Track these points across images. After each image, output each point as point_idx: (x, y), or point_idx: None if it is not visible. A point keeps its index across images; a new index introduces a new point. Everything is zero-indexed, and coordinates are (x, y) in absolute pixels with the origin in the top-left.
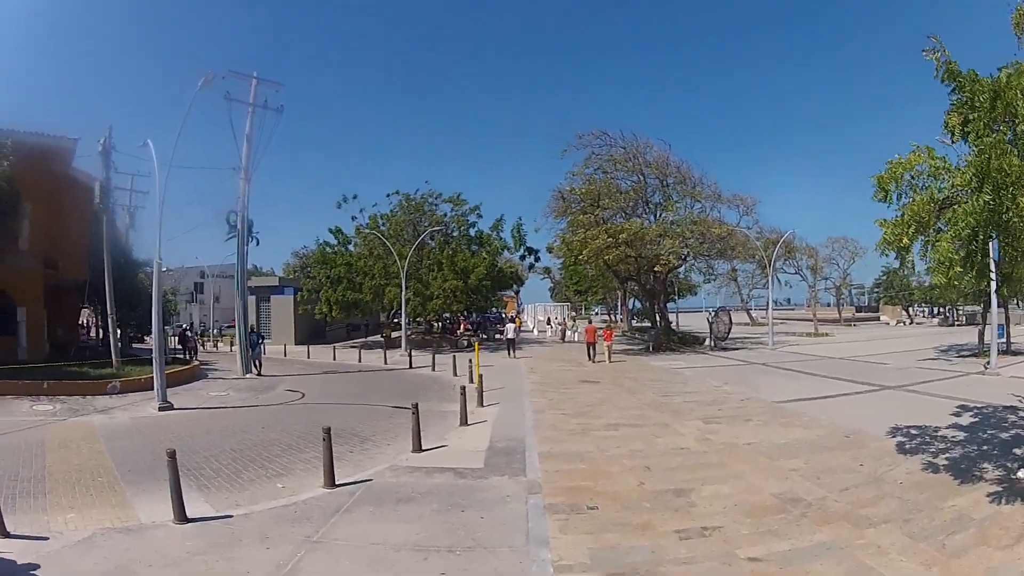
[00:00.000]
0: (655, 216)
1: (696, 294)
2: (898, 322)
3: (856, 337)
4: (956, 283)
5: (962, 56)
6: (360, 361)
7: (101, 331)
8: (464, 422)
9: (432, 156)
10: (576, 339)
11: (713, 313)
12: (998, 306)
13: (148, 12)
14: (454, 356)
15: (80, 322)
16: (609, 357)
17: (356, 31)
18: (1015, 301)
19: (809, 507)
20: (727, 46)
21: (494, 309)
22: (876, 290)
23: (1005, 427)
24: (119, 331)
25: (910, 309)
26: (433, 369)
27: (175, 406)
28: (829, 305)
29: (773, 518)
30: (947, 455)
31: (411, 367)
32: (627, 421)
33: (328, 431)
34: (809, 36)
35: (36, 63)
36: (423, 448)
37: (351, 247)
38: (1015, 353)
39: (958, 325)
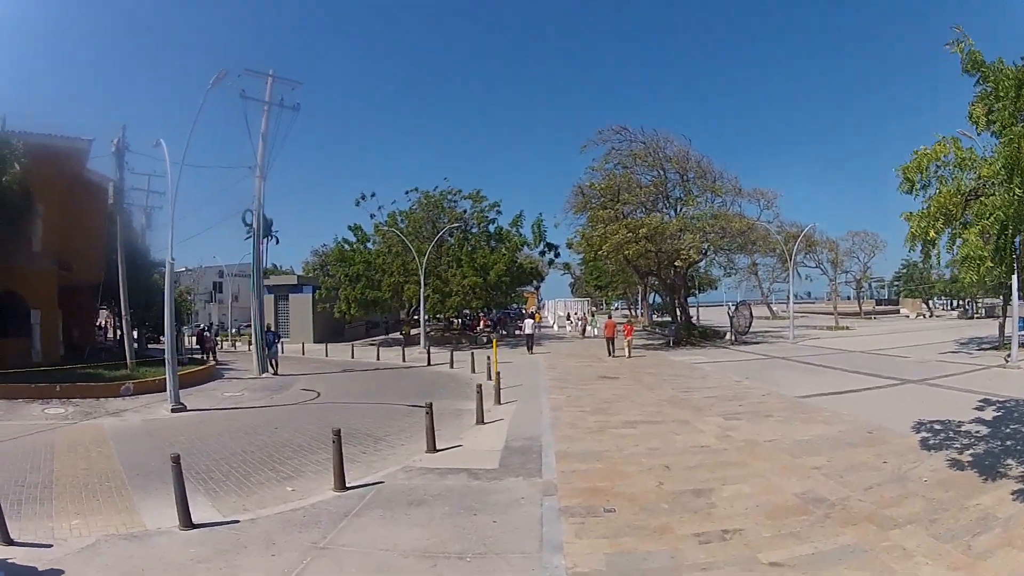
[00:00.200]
0: (675, 211)
1: (716, 288)
2: (918, 315)
3: (876, 330)
4: (987, 279)
5: (986, 51)
6: (378, 359)
7: (118, 332)
8: (480, 421)
9: (452, 153)
10: (596, 334)
11: (733, 307)
12: (1020, 299)
13: (164, 11)
14: (472, 353)
15: (97, 323)
16: (629, 352)
17: (375, 29)
18: None
19: (832, 507)
20: (744, 43)
21: (514, 305)
22: (896, 283)
23: None
24: (135, 332)
25: (930, 302)
26: (451, 367)
27: (188, 407)
28: (849, 299)
29: (795, 519)
30: (971, 451)
31: (429, 364)
32: (646, 418)
33: (338, 433)
34: (830, 33)
35: (52, 65)
36: (438, 448)
37: (370, 245)
38: None
39: (977, 318)
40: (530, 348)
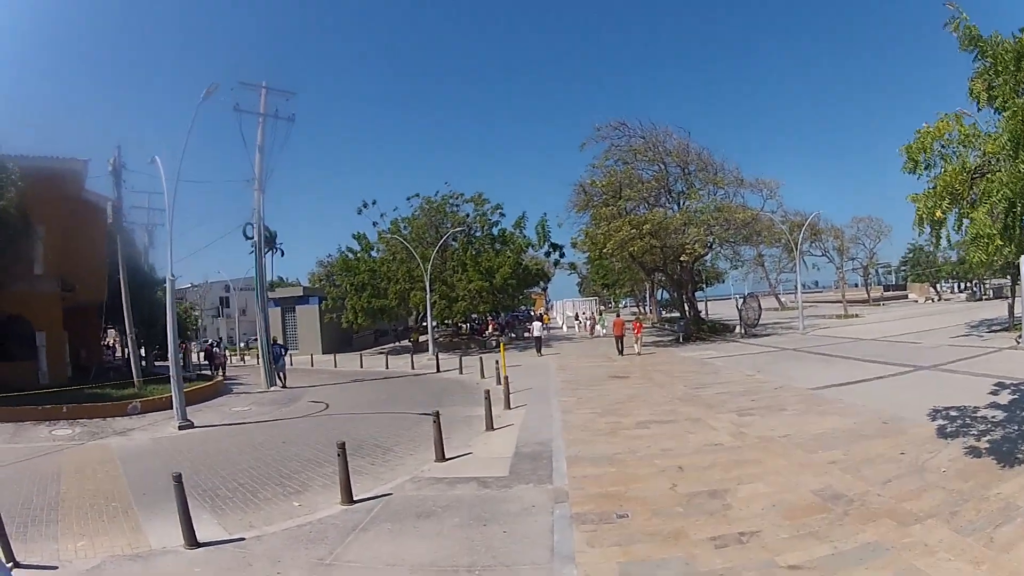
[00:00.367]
0: (678, 205)
1: (724, 281)
2: (927, 299)
3: (886, 317)
4: (996, 259)
5: (983, 27)
6: (387, 367)
7: (126, 351)
8: (490, 427)
9: (451, 158)
10: (605, 334)
11: (742, 300)
12: None
13: (157, 28)
14: (480, 358)
15: (106, 343)
16: (639, 350)
17: (368, 36)
18: None
19: (851, 504)
20: (740, 30)
21: (523, 307)
22: (903, 268)
23: None
24: (142, 350)
25: (937, 286)
26: (460, 372)
27: (196, 424)
28: (857, 286)
29: (814, 518)
30: (988, 437)
31: (438, 371)
32: (658, 418)
33: (342, 446)
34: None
35: (44, 87)
36: (447, 457)
37: (374, 253)
38: None
39: (986, 299)
40: (539, 350)
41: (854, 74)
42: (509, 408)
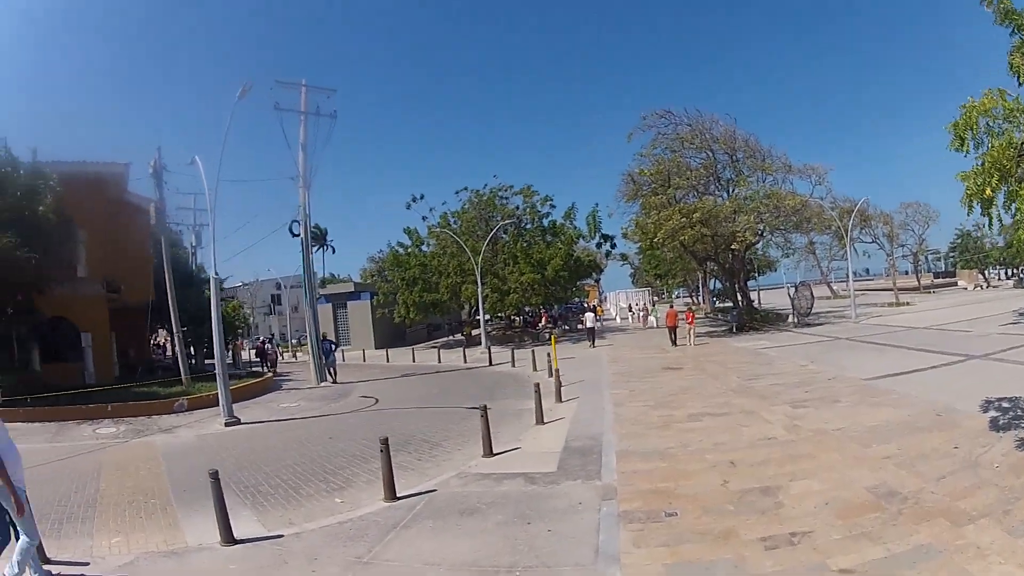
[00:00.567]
0: (728, 192)
1: (775, 270)
2: (975, 286)
3: (936, 304)
4: None
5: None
6: (439, 361)
7: (176, 349)
8: (540, 420)
9: (497, 150)
10: (658, 324)
11: (794, 289)
12: None
13: (196, 30)
14: (532, 351)
15: (156, 342)
16: (691, 341)
17: (411, 31)
18: None
19: (905, 502)
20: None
21: (576, 299)
22: (951, 254)
23: None
24: (192, 348)
25: (986, 272)
26: (513, 365)
27: (242, 420)
28: (907, 273)
29: (867, 518)
30: None
31: (491, 364)
32: (711, 410)
33: (386, 441)
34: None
35: (84, 93)
36: (494, 452)
37: (425, 247)
38: None
39: None
40: (592, 342)
41: (891, 54)
42: (560, 401)
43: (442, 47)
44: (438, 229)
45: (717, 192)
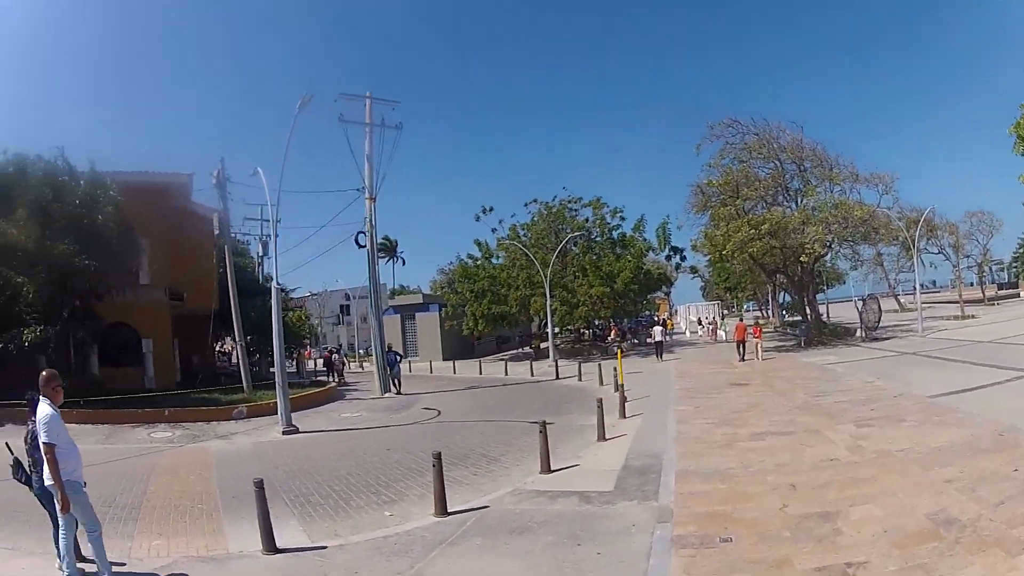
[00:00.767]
0: (796, 203)
1: (844, 283)
2: None
3: (1001, 317)
4: None
5: None
6: (506, 374)
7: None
8: (602, 437)
9: (565, 162)
10: (727, 338)
11: (862, 302)
12: None
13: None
14: (599, 364)
15: (222, 349)
16: (759, 355)
17: (477, 48)
18: None
19: (963, 530)
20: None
21: (646, 312)
22: (1015, 265)
23: None
24: (257, 356)
25: None
26: (579, 379)
27: (301, 429)
28: (972, 284)
29: (924, 548)
30: None
31: (557, 378)
32: (775, 429)
33: (438, 456)
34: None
35: (156, 105)
36: (552, 469)
37: (495, 260)
38: None
39: None
40: (660, 356)
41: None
42: (624, 417)
43: (516, 64)
44: (507, 241)
45: (785, 203)
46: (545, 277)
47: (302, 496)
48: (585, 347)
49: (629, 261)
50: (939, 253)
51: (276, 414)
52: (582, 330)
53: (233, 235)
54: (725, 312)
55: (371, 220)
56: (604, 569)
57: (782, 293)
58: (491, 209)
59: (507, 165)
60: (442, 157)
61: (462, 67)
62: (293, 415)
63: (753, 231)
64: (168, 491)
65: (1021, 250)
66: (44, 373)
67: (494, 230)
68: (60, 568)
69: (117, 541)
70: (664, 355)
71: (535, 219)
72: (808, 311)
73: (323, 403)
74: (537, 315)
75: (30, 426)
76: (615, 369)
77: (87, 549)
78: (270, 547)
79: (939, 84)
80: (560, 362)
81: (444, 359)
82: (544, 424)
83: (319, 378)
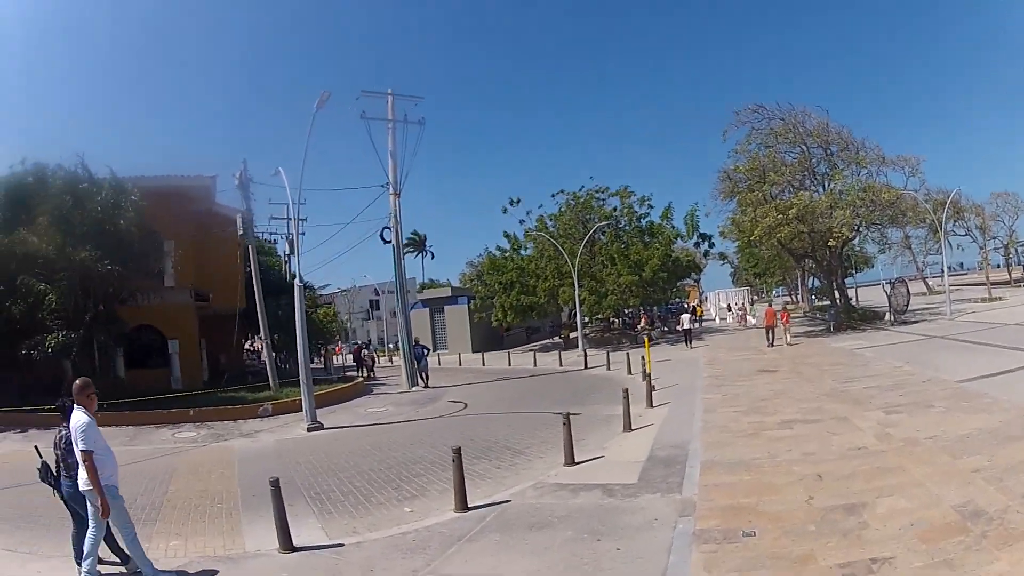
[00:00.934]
0: (823, 187)
1: (872, 266)
2: None
3: None
4: None
5: None
6: (535, 365)
7: (274, 355)
8: (627, 427)
9: (592, 151)
10: (756, 324)
11: (890, 285)
12: None
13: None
14: (628, 353)
15: (252, 348)
16: (787, 340)
17: (501, 41)
18: None
19: (991, 523)
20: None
21: (676, 300)
22: None
23: None
24: (284, 353)
25: None
26: (608, 368)
27: (326, 425)
28: (998, 266)
29: (951, 542)
30: None
31: (586, 367)
32: (803, 416)
33: (458, 451)
34: None
35: (176, 108)
36: (576, 461)
37: (524, 251)
38: None
39: None
40: (688, 343)
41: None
42: (651, 406)
43: (539, 52)
44: (535, 232)
45: (812, 187)
46: (573, 267)
47: (322, 493)
48: (614, 336)
49: (657, 249)
50: (966, 235)
51: (302, 411)
52: (611, 319)
53: (260, 235)
54: (755, 298)
55: (396, 216)
56: (622, 566)
57: (811, 278)
58: (519, 200)
59: (535, 158)
60: (471, 151)
61: (489, 59)
62: (319, 411)
63: (780, 216)
64: (189, 491)
65: None
66: (78, 381)
67: (522, 221)
68: (84, 572)
69: None
70: (693, 342)
71: (562, 209)
72: (837, 295)
73: (350, 398)
74: (566, 305)
75: (62, 432)
76: (643, 357)
77: (104, 551)
78: (287, 546)
79: (962, 64)
80: (589, 351)
81: (473, 351)
82: (568, 416)
83: (348, 374)
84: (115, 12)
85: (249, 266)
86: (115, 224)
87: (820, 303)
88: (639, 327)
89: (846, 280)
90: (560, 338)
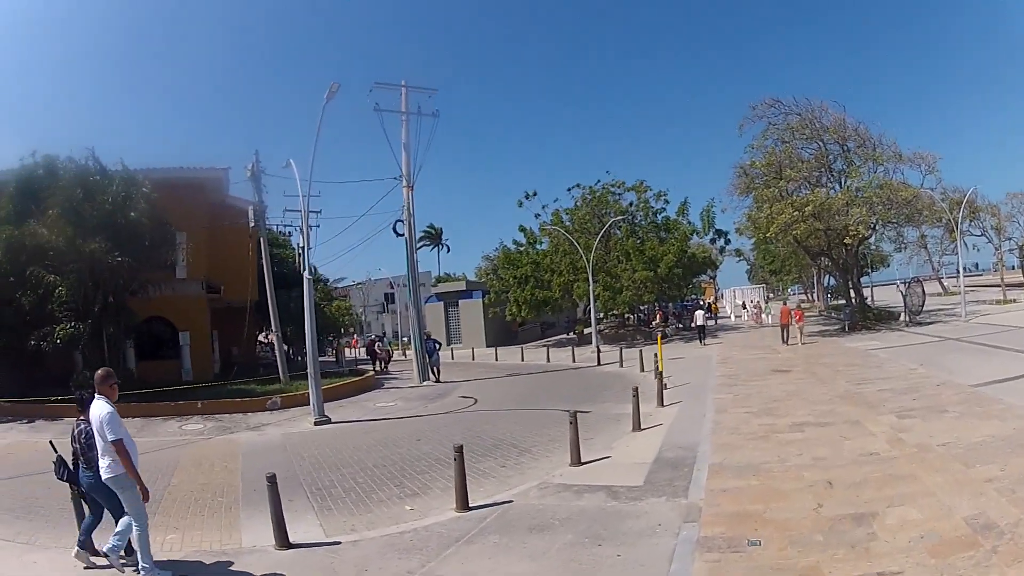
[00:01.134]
0: (840, 184)
1: (888, 265)
2: None
3: None
4: None
5: None
6: (548, 360)
7: (286, 347)
8: (637, 427)
9: (608, 146)
10: (771, 322)
11: (906, 285)
12: None
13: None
14: (641, 350)
15: (265, 340)
16: (801, 340)
17: (514, 32)
18: None
19: (1001, 536)
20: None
21: (692, 296)
22: None
23: None
24: (296, 346)
25: None
26: (621, 365)
27: (334, 419)
28: (1014, 268)
29: (961, 556)
30: None
31: (599, 364)
32: (815, 419)
33: (460, 449)
34: None
35: (189, 103)
36: (583, 461)
37: (540, 246)
38: None
39: None
40: (702, 340)
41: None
42: (662, 406)
43: (555, 45)
44: (551, 227)
45: (829, 184)
46: (588, 262)
47: (324, 489)
48: (629, 332)
49: (673, 245)
50: (982, 235)
51: (310, 404)
52: (626, 315)
53: (274, 227)
54: (770, 296)
55: (409, 208)
56: (621, 574)
57: (827, 276)
58: (534, 194)
59: (552, 151)
60: (488, 144)
61: (506, 51)
62: (328, 405)
63: (797, 213)
64: (191, 484)
65: None
66: (100, 371)
67: (537, 215)
68: (137, 568)
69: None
70: (707, 340)
71: (578, 204)
72: (852, 295)
73: (360, 392)
74: (581, 300)
75: (82, 425)
76: (655, 355)
77: (102, 544)
78: (283, 542)
79: (979, 63)
80: (603, 348)
81: (487, 346)
82: (575, 414)
83: (360, 367)
84: (129, 5)
85: (262, 258)
86: (126, 216)
87: (835, 302)
88: (653, 323)
89: (862, 279)
90: (574, 334)
